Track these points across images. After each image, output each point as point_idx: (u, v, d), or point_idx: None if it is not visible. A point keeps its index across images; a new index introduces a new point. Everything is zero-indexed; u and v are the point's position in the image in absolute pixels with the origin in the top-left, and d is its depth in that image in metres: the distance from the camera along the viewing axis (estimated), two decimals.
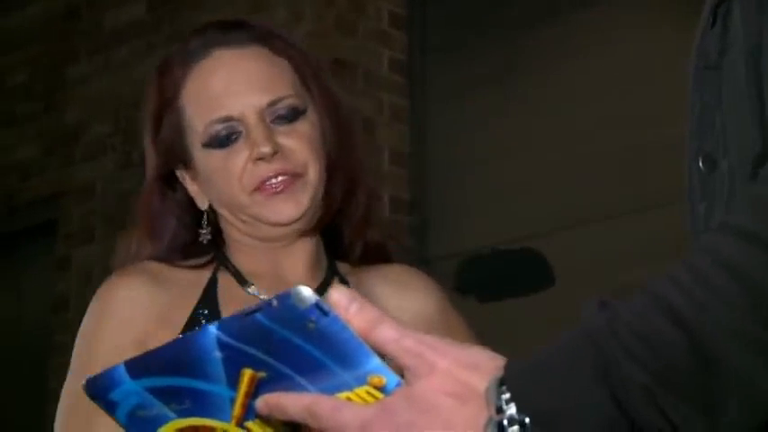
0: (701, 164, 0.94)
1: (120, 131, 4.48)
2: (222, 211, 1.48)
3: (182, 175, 1.51)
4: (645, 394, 0.73)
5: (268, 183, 1.42)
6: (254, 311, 0.81)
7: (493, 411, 0.78)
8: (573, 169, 3.37)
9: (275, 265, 1.48)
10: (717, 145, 0.92)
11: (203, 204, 1.49)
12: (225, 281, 1.47)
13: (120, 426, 0.93)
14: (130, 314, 1.42)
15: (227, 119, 1.44)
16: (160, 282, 1.44)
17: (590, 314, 0.78)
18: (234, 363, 0.85)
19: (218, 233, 1.51)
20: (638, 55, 3.24)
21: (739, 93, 0.88)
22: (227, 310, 1.41)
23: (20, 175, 4.83)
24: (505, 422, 0.77)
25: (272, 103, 1.44)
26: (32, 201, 4.73)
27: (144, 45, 4.48)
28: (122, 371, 0.89)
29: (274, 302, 0.80)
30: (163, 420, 0.91)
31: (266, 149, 1.41)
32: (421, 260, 3.54)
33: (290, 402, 0.84)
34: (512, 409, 0.77)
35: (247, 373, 0.85)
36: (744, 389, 0.71)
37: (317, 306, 0.80)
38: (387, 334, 0.82)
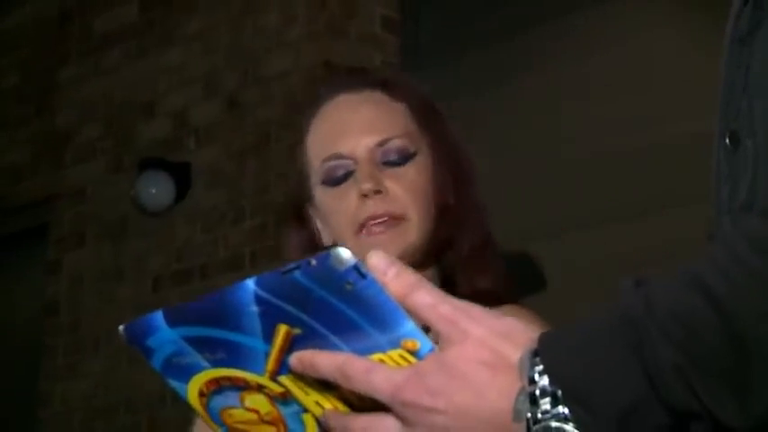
0: (727, 141, 0.93)
1: (111, 135, 4.47)
2: None
3: (311, 211, 1.59)
4: (677, 373, 0.73)
5: (372, 223, 1.48)
6: (293, 269, 0.82)
7: (525, 382, 0.78)
8: (565, 173, 3.37)
9: None
10: (743, 123, 0.92)
11: (328, 240, 1.56)
12: None
13: (156, 372, 0.95)
14: None
15: (338, 156, 1.53)
16: None
17: (627, 291, 0.78)
18: (270, 318, 0.86)
19: None
20: (635, 57, 3.24)
21: (767, 70, 0.88)
22: None
23: (11, 178, 4.82)
24: (537, 393, 0.77)
25: (381, 143, 1.52)
26: (23, 204, 4.72)
27: (135, 48, 4.47)
28: (160, 318, 0.90)
29: (313, 262, 0.81)
30: (197, 369, 0.92)
31: (368, 186, 1.48)
32: None
33: (324, 361, 0.85)
34: (544, 381, 0.77)
35: (283, 329, 0.86)
36: None
37: (356, 268, 0.81)
38: (423, 299, 0.83)
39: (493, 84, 3.63)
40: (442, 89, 3.81)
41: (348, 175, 1.52)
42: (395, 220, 1.48)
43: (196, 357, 0.91)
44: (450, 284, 1.54)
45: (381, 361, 0.84)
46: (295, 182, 1.60)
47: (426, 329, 0.85)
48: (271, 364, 0.89)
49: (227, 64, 4.15)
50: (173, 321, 0.90)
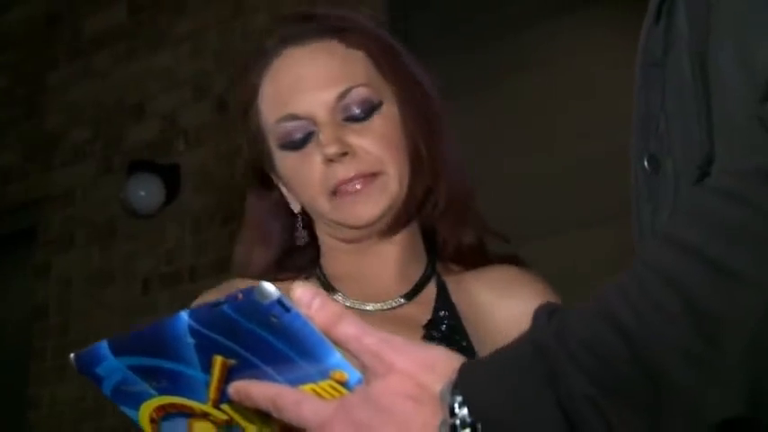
0: (645, 164, 0.93)
1: (100, 137, 4.47)
2: (312, 215, 1.44)
3: (274, 176, 1.46)
4: (590, 405, 0.74)
5: (344, 186, 1.35)
6: (221, 303, 0.84)
7: (446, 413, 0.79)
8: (554, 176, 3.38)
9: (363, 268, 1.42)
10: (661, 145, 0.92)
11: (296, 207, 1.44)
12: None
13: (107, 398, 0.97)
14: None
15: (293, 117, 1.38)
16: None
17: (540, 322, 0.79)
18: (206, 349, 0.88)
19: (312, 237, 1.46)
20: (620, 61, 3.25)
21: (684, 91, 0.88)
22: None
23: None
24: (458, 423, 0.78)
25: (341, 96, 1.37)
26: (12, 207, 4.71)
27: (124, 50, 4.47)
28: (106, 347, 0.93)
29: (239, 296, 0.83)
30: (145, 396, 0.95)
31: (331, 150, 1.34)
32: None
33: (257, 391, 0.87)
34: (464, 412, 0.78)
35: (219, 360, 0.88)
36: (685, 402, 0.72)
37: (279, 302, 0.82)
38: (347, 331, 0.84)
39: (481, 85, 3.64)
40: None
41: (308, 137, 1.37)
42: (371, 177, 1.35)
43: (143, 385, 0.94)
44: (431, 242, 1.46)
45: (314, 391, 0.86)
46: (251, 147, 1.45)
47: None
48: (212, 392, 0.91)
49: (216, 66, 4.15)
50: (117, 351, 0.92)
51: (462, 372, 0.80)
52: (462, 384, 0.79)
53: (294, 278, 1.41)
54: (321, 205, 1.38)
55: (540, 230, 3.37)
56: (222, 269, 3.95)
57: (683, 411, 0.72)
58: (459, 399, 0.78)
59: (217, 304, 0.84)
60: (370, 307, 1.39)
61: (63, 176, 4.54)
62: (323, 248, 1.45)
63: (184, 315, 0.87)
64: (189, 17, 4.29)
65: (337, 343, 0.84)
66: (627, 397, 0.73)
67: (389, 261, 1.43)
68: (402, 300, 1.40)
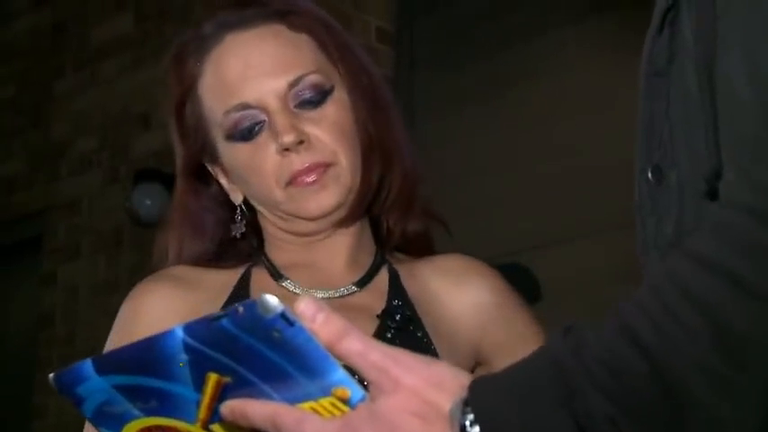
0: (649, 175, 0.92)
1: (106, 146, 4.47)
2: (258, 207, 1.40)
3: (213, 169, 1.41)
4: (609, 424, 0.72)
5: (299, 178, 1.31)
6: (221, 317, 0.81)
7: (457, 431, 0.78)
8: (559, 184, 3.37)
9: (313, 258, 1.38)
10: (665, 156, 0.91)
11: (237, 199, 1.40)
12: (259, 276, 1.37)
13: (87, 420, 0.94)
14: (160, 320, 1.29)
15: (244, 106, 1.33)
16: (191, 286, 1.35)
17: (555, 338, 0.78)
18: (199, 366, 0.85)
19: (254, 228, 1.42)
20: (623, 69, 3.24)
21: (688, 101, 0.87)
22: None
23: (6, 190, 4.81)
24: None
25: (293, 84, 1.33)
26: (18, 216, 4.71)
27: (131, 59, 4.47)
28: (90, 366, 0.89)
29: (240, 309, 0.80)
30: (128, 417, 0.91)
31: (289, 139, 1.30)
32: None
33: (255, 410, 0.84)
34: (475, 430, 0.77)
35: (212, 378, 0.85)
36: (706, 422, 0.71)
37: (283, 316, 0.80)
38: (352, 346, 0.82)
39: (488, 94, 3.64)
40: (436, 101, 3.82)
41: (258, 127, 1.32)
42: (325, 167, 1.31)
43: (127, 406, 0.90)
44: (376, 230, 1.42)
45: (312, 409, 0.83)
46: (188, 139, 1.40)
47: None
48: (202, 412, 0.88)
49: None
50: (102, 370, 0.89)
51: (473, 389, 0.78)
52: (474, 402, 0.77)
53: (236, 266, 1.38)
54: (275, 196, 1.34)
55: (547, 239, 3.36)
56: None
57: (704, 429, 0.71)
58: (470, 417, 0.77)
59: (215, 318, 0.82)
60: (320, 294, 1.34)
61: (69, 185, 4.54)
62: (268, 239, 1.41)
63: (179, 331, 0.84)
64: (195, 26, 4.29)
65: (341, 358, 0.82)
66: (647, 415, 0.72)
67: (341, 250, 1.39)
68: (354, 287, 1.37)
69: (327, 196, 1.33)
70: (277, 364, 0.82)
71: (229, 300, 1.34)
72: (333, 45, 1.38)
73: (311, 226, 1.37)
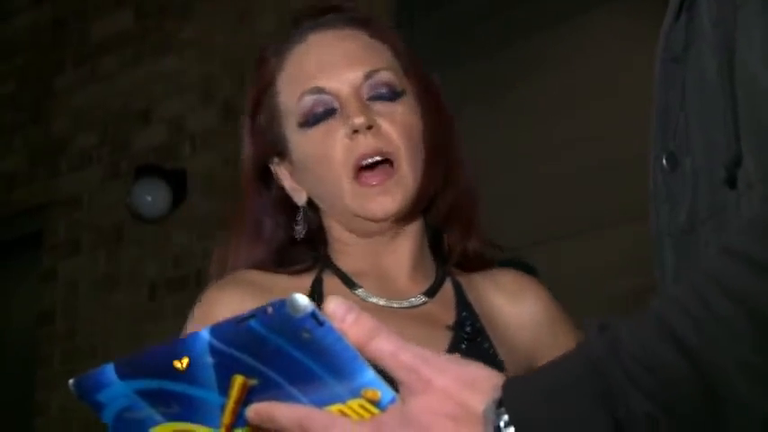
0: (664, 162, 0.91)
1: (106, 142, 4.47)
2: (322, 205, 1.41)
3: (278, 170, 1.43)
4: (649, 423, 0.71)
5: (365, 171, 1.34)
6: (249, 318, 0.80)
7: None
8: (561, 181, 3.37)
9: (378, 263, 1.40)
10: (680, 143, 0.90)
11: (301, 200, 1.41)
12: (331, 283, 1.39)
13: (107, 427, 0.92)
14: None
15: (319, 90, 1.36)
16: (263, 291, 1.35)
17: (591, 337, 0.76)
18: (225, 369, 0.83)
19: (319, 232, 1.43)
20: (625, 66, 3.24)
21: (705, 88, 0.86)
22: None
23: (6, 185, 4.81)
24: None
25: (368, 76, 1.37)
26: (19, 212, 4.71)
27: (131, 55, 4.47)
28: (111, 371, 0.87)
29: (269, 310, 0.78)
30: (150, 423, 0.90)
31: (359, 120, 1.32)
32: None
33: (282, 413, 0.82)
34: (510, 431, 0.75)
35: (239, 380, 0.83)
36: (749, 420, 0.70)
37: (313, 315, 0.78)
38: (383, 347, 0.80)
39: (488, 92, 3.63)
40: None
41: (330, 113, 1.36)
42: (387, 173, 1.34)
43: (150, 411, 0.88)
44: (436, 245, 1.45)
45: (341, 412, 0.81)
46: (259, 138, 1.43)
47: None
48: (227, 416, 0.86)
49: (222, 70, 4.14)
50: (125, 374, 0.87)
51: (507, 389, 0.77)
52: (508, 402, 0.76)
53: (303, 272, 1.39)
54: (342, 186, 1.35)
55: (547, 235, 3.36)
56: None
57: (747, 427, 0.70)
58: (505, 417, 0.75)
59: (243, 319, 0.80)
60: (395, 304, 1.36)
61: (69, 181, 4.54)
62: (333, 244, 1.42)
63: (205, 334, 0.82)
64: (195, 22, 4.28)
65: (372, 359, 0.80)
66: (688, 413, 0.71)
67: (404, 255, 1.40)
68: (424, 298, 1.38)
69: (390, 200, 1.35)
70: (305, 365, 0.80)
71: None
72: (409, 61, 1.44)
73: (373, 227, 1.38)
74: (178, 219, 4.13)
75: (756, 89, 0.80)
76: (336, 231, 1.41)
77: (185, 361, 0.84)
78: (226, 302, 1.34)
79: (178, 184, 4.12)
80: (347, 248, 1.41)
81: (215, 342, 0.82)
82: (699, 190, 0.87)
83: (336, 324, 0.80)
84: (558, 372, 0.77)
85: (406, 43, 1.47)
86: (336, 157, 1.34)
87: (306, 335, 0.78)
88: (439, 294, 1.39)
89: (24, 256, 4.72)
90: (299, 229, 1.42)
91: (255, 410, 0.83)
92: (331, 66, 1.38)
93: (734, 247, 0.73)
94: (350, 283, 1.38)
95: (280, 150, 1.41)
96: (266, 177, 1.44)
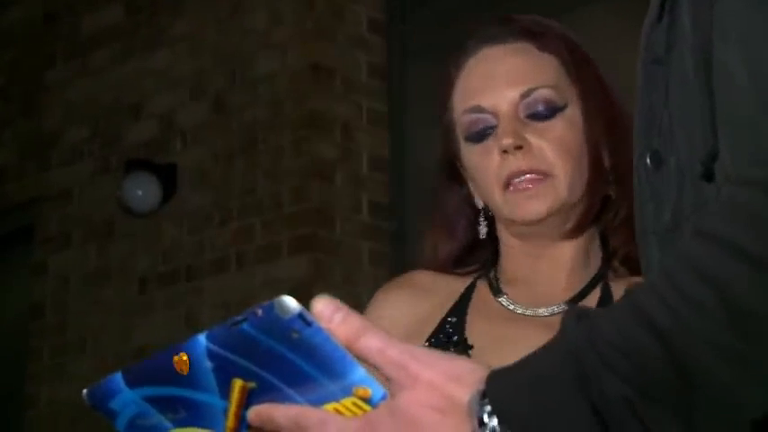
0: (648, 161, 0.92)
1: (97, 136, 4.46)
2: (491, 210, 1.48)
3: (462, 171, 1.51)
4: (625, 406, 0.73)
5: (516, 180, 1.40)
6: (241, 321, 0.81)
7: (475, 424, 0.78)
8: None
9: (534, 269, 1.46)
10: (665, 142, 0.91)
11: (480, 201, 1.49)
12: (482, 289, 1.47)
13: None
14: (393, 327, 1.37)
15: (478, 109, 1.44)
16: (426, 292, 1.46)
17: (570, 326, 0.78)
18: (224, 373, 0.85)
19: (493, 237, 1.50)
20: (624, 58, 3.24)
21: (687, 88, 0.87)
22: (472, 320, 1.42)
23: None
24: None
25: (525, 95, 1.43)
26: (9, 206, 4.71)
27: (122, 50, 4.46)
28: (120, 379, 0.90)
29: (259, 312, 0.80)
30: (161, 429, 0.91)
31: (507, 142, 1.40)
32: (399, 265, 3.54)
33: (279, 413, 0.84)
34: (494, 422, 0.77)
35: (238, 384, 0.85)
36: (723, 401, 0.71)
37: (300, 316, 0.80)
38: (371, 344, 0.82)
39: None
40: (429, 90, 3.82)
41: (488, 131, 1.43)
42: (542, 177, 1.40)
43: (159, 418, 0.90)
44: (605, 246, 1.48)
45: (336, 410, 0.83)
46: (444, 140, 1.52)
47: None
48: (230, 420, 0.87)
49: (213, 65, 4.14)
50: (131, 382, 0.89)
51: (490, 381, 0.79)
52: (491, 393, 0.78)
53: (469, 274, 1.48)
54: (496, 198, 1.42)
55: None
56: (219, 269, 3.94)
57: (720, 409, 0.71)
58: (488, 408, 0.77)
59: (236, 323, 0.81)
60: (539, 311, 1.41)
61: (60, 175, 4.54)
62: (502, 248, 1.49)
63: (202, 338, 0.84)
64: (186, 17, 4.28)
65: (360, 357, 0.82)
66: (663, 397, 0.72)
67: (564, 262, 1.45)
68: (564, 306, 1.41)
69: (538, 204, 1.40)
70: (298, 366, 0.82)
71: (452, 309, 1.44)
72: (574, 65, 1.48)
73: (526, 230, 1.44)
74: (168, 213, 4.14)
75: (731, 85, 0.82)
76: (504, 235, 1.48)
77: (185, 358, 0.86)
78: (390, 303, 1.46)
79: (168, 178, 4.12)
80: (512, 251, 1.48)
81: (212, 346, 0.84)
82: (684, 188, 0.89)
83: (324, 324, 0.81)
84: (538, 362, 0.79)
85: (580, 45, 1.52)
86: (491, 172, 1.42)
87: (295, 335, 0.80)
88: (584, 301, 1.42)
89: (15, 250, 4.72)
90: (482, 229, 1.49)
91: (256, 413, 0.86)
92: (493, 83, 1.45)
93: (707, 231, 0.75)
94: (496, 290, 1.45)
95: (456, 154, 1.50)
96: (457, 173, 1.51)
